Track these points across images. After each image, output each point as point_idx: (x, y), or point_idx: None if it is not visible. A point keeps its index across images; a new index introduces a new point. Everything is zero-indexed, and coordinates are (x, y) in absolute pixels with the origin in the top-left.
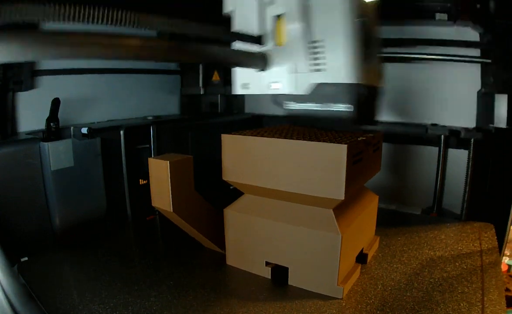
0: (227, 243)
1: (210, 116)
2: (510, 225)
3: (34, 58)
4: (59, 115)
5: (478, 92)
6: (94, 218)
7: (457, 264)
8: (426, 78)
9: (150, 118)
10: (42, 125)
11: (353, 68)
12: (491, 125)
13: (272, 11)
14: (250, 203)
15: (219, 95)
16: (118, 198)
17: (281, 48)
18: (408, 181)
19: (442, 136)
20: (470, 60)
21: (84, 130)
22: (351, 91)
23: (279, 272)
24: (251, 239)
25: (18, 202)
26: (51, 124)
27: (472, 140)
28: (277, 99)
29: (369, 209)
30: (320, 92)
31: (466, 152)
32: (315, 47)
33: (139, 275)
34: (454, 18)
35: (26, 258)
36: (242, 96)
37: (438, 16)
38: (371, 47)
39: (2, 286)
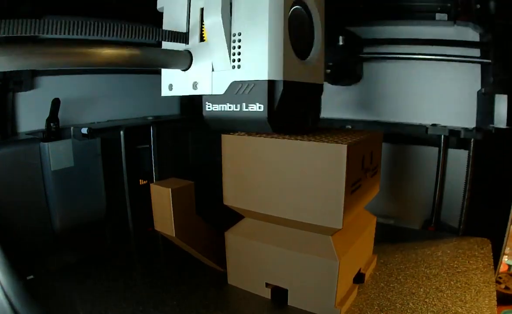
0: (228, 264)
1: None
2: (510, 225)
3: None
4: (59, 115)
5: (478, 92)
6: (94, 218)
7: (452, 283)
8: (426, 78)
9: (150, 118)
10: (42, 125)
11: (271, 63)
12: (491, 125)
13: (196, 4)
14: (250, 227)
15: None
16: (118, 198)
17: (203, 45)
18: (407, 186)
19: (442, 136)
20: (470, 60)
21: (84, 130)
22: (264, 89)
23: (279, 293)
24: (251, 262)
25: (18, 202)
26: (51, 124)
27: (472, 140)
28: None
29: (367, 232)
30: (234, 91)
31: (466, 154)
32: (233, 41)
33: (144, 294)
34: (454, 18)
35: (31, 276)
36: None
37: (438, 16)
38: (306, 39)
39: (2, 286)
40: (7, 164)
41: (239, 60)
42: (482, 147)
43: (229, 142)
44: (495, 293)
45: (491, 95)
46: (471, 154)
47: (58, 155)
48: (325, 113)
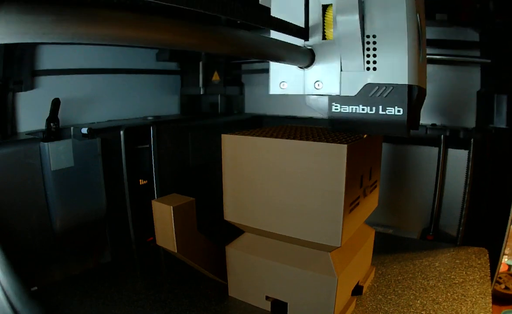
0: (229, 277)
1: (210, 116)
2: (510, 225)
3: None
4: (59, 115)
5: (478, 92)
6: (94, 217)
7: (448, 294)
8: (427, 78)
9: (150, 118)
10: (42, 125)
11: (409, 68)
12: (491, 125)
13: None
14: (250, 242)
15: (219, 95)
16: (118, 198)
17: (329, 43)
18: (406, 192)
19: (442, 136)
20: (470, 60)
21: (84, 130)
22: (404, 93)
23: (279, 306)
24: (251, 275)
25: (18, 202)
26: (51, 124)
27: (472, 140)
28: (315, 101)
29: (366, 245)
30: (369, 93)
31: (465, 155)
32: (368, 43)
33: (147, 310)
34: (454, 18)
35: (35, 288)
36: (242, 96)
37: (438, 16)
38: (422, 45)
39: (2, 286)
40: (7, 164)
41: (374, 62)
42: (482, 147)
43: (229, 142)
44: (490, 305)
45: (491, 95)
46: (471, 154)
47: (58, 155)
48: None
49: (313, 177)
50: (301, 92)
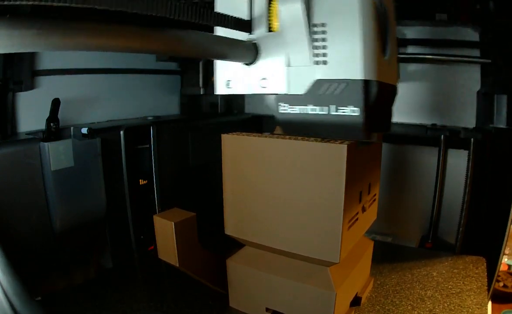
0: (230, 289)
1: (210, 116)
2: (510, 226)
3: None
4: (59, 115)
5: (478, 92)
6: (94, 217)
7: (445, 305)
8: (426, 78)
9: (150, 118)
10: (42, 125)
11: (365, 61)
12: (491, 125)
13: None
14: (250, 256)
15: (219, 95)
16: (118, 198)
17: (274, 35)
18: (405, 196)
19: (442, 136)
20: (470, 60)
21: (84, 130)
22: (360, 90)
23: None
24: (251, 288)
25: (18, 202)
26: (51, 124)
27: (472, 140)
28: (268, 100)
29: (364, 257)
30: (319, 90)
31: (465, 156)
32: (315, 33)
33: None
34: (454, 18)
35: (39, 298)
36: (243, 95)
37: (438, 16)
38: (387, 36)
39: (2, 286)
40: (7, 164)
41: (324, 54)
42: (482, 147)
43: (229, 142)
44: None
45: (491, 95)
46: (471, 154)
47: (58, 155)
48: None
49: (313, 177)
50: (247, 91)
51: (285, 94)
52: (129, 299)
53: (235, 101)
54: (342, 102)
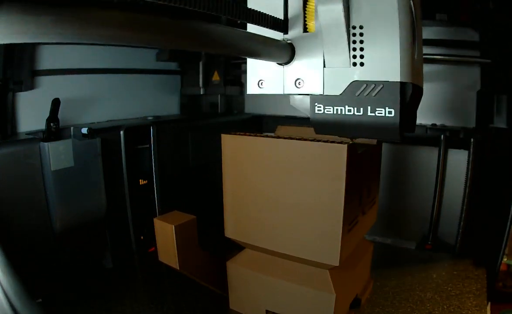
0: (230, 291)
1: (210, 116)
2: (510, 226)
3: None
4: (59, 115)
5: (478, 92)
6: (94, 218)
7: (445, 307)
8: (426, 78)
9: (150, 118)
10: (42, 125)
11: (402, 63)
12: (491, 125)
13: None
14: (250, 258)
15: (219, 95)
16: (118, 198)
17: (310, 36)
18: (405, 197)
19: (442, 136)
20: (470, 60)
21: (84, 130)
22: (396, 91)
23: None
24: (251, 290)
25: (18, 202)
26: (51, 124)
27: (472, 140)
28: (301, 102)
29: (364, 260)
30: (355, 92)
31: (465, 157)
32: (353, 35)
33: None
34: (454, 18)
35: (40, 300)
36: (242, 96)
37: (438, 16)
38: (417, 40)
39: (2, 286)
40: (7, 164)
41: (361, 56)
42: (482, 147)
43: (229, 142)
44: None
45: (491, 95)
46: (471, 154)
47: (58, 155)
48: None
49: (313, 177)
50: (280, 92)
51: (320, 95)
52: (129, 300)
53: (235, 101)
54: (378, 103)
